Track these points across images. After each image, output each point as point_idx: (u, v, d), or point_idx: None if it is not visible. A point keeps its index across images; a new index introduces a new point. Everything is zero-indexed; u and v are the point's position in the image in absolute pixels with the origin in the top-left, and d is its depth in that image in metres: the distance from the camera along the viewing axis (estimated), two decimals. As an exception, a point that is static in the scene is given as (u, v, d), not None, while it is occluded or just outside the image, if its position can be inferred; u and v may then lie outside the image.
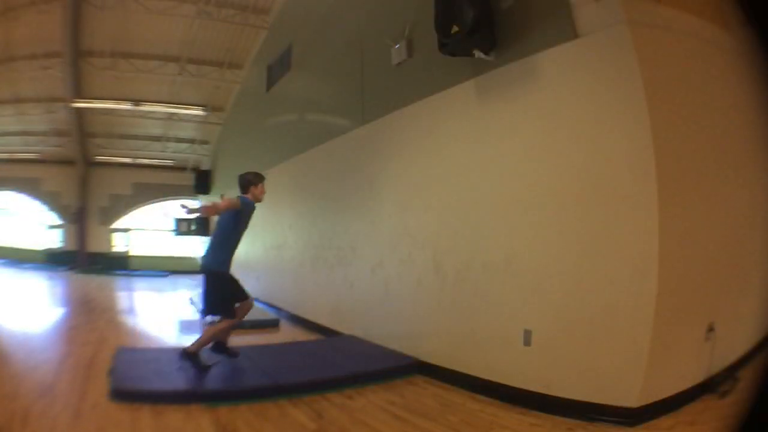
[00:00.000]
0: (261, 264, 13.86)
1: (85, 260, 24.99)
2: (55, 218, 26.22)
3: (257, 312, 11.52)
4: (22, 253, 25.46)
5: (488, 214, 5.80)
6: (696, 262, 4.69)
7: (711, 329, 4.86)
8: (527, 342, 5.11)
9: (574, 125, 4.86)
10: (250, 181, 6.37)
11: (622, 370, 4.38)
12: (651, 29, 4.53)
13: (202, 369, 5.87)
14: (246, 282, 15.30)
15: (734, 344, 5.10)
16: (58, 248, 25.96)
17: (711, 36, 4.90)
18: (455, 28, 5.53)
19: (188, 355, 5.91)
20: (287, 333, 9.54)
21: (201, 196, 24.29)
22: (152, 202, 27.48)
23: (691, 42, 4.89)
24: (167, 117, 22.68)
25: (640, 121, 4.30)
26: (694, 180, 4.73)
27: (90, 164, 25.58)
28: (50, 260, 25.08)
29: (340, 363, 6.47)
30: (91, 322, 9.93)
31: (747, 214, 5.30)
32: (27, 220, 26.71)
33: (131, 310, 13.58)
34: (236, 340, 8.47)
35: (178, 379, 5.52)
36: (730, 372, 4.95)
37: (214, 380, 5.53)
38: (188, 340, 8.62)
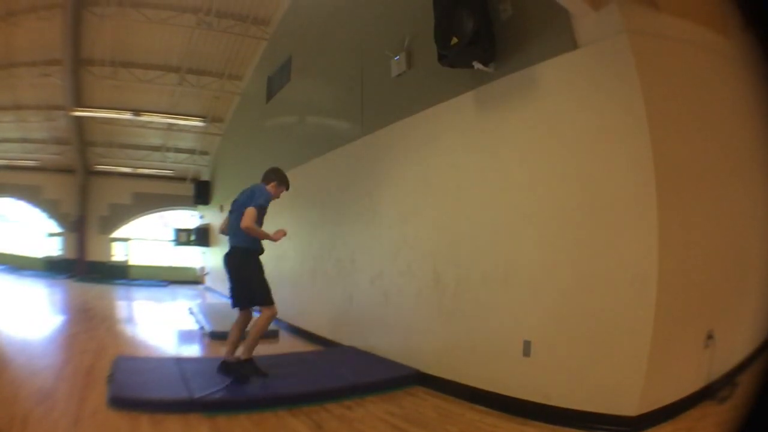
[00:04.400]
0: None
1: (84, 269, 24.98)
2: (54, 226, 26.23)
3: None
4: (21, 260, 25.49)
5: (488, 225, 5.82)
6: (695, 269, 4.72)
7: (710, 336, 4.87)
8: (527, 352, 5.13)
9: (573, 135, 4.90)
10: (271, 178, 6.57)
11: (621, 379, 4.41)
12: (650, 38, 4.56)
13: (261, 374, 6.02)
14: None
15: (733, 350, 5.10)
16: (58, 256, 25.96)
17: (710, 43, 4.93)
18: (454, 40, 5.56)
19: (243, 365, 5.98)
20: (286, 343, 9.54)
21: (200, 207, 24.37)
22: (152, 212, 27.56)
23: (691, 49, 4.92)
24: (167, 127, 22.76)
25: (639, 130, 4.33)
26: (694, 188, 4.77)
27: (90, 173, 25.63)
28: (49, 268, 25.08)
29: (339, 374, 6.47)
30: (90, 330, 9.93)
31: (746, 220, 5.31)
32: (26, 228, 26.72)
33: (130, 319, 13.58)
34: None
35: (178, 389, 5.50)
36: (729, 378, 4.96)
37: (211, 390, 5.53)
38: (187, 350, 8.66)
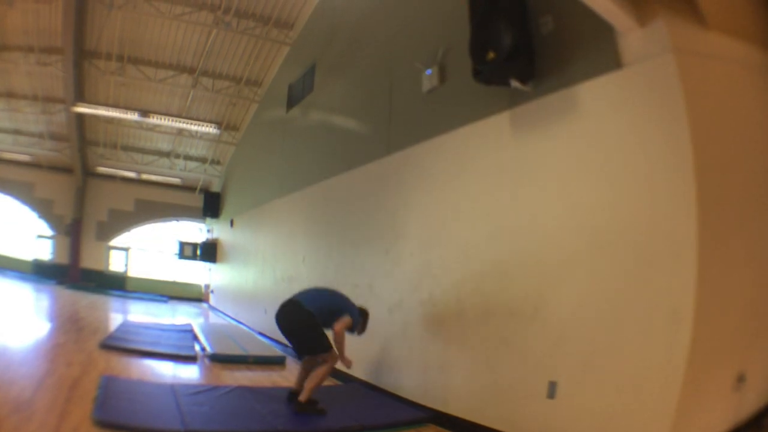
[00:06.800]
0: (270, 296, 13.99)
1: (77, 276, 25.30)
2: (46, 228, 26.45)
3: (262, 347, 11.69)
4: (6, 261, 25.99)
5: (517, 256, 5.93)
6: (732, 309, 4.74)
7: (741, 379, 4.90)
8: (551, 394, 5.23)
9: (614, 164, 4.99)
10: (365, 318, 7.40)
11: (649, 423, 4.46)
12: (697, 58, 4.63)
13: (319, 412, 6.47)
14: (253, 314, 15.40)
15: (762, 391, 5.13)
16: (48, 260, 26.23)
17: (761, 63, 4.98)
18: (491, 54, 5.64)
19: (303, 406, 6.49)
20: (293, 372, 9.57)
21: (209, 220, 24.60)
22: (156, 222, 27.78)
23: (739, 70, 5.00)
24: (177, 132, 22.99)
25: (683, 158, 4.38)
26: (736, 221, 4.77)
27: (89, 174, 25.93)
28: (38, 272, 25.43)
29: (347, 412, 6.60)
30: (78, 342, 10.07)
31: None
32: (14, 227, 26.85)
33: (125, 335, 13.63)
34: (237, 377, 8.63)
35: (169, 418, 5.59)
36: (756, 420, 5.00)
37: (207, 422, 5.66)
38: (184, 372, 8.73)
